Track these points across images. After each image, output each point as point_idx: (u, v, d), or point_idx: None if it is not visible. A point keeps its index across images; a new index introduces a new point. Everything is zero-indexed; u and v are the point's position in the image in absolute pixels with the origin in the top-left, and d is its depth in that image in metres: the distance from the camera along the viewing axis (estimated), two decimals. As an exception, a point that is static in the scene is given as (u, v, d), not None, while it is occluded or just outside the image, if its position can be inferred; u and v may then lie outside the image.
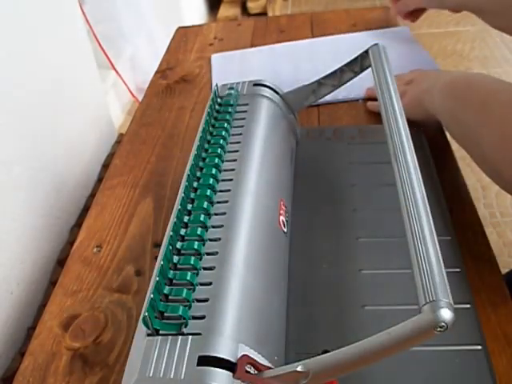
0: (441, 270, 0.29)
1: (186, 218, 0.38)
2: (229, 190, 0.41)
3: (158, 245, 0.53)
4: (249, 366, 0.30)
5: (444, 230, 0.48)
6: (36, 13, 0.63)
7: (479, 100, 0.48)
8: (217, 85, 0.53)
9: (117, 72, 1.40)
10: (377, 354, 0.28)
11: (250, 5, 2.55)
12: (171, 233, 0.36)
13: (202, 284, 0.34)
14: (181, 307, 0.31)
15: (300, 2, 2.88)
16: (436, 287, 0.28)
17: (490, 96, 0.47)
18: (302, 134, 0.59)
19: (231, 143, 0.46)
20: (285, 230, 0.44)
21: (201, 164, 0.44)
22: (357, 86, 0.69)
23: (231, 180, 0.42)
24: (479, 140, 0.46)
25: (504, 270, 0.51)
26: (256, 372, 0.30)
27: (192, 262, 0.34)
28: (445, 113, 0.53)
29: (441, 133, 0.64)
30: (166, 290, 0.33)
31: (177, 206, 0.39)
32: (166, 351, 0.30)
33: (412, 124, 0.44)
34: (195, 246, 0.36)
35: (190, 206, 0.40)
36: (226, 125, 0.48)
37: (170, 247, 0.35)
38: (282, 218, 0.44)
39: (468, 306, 0.42)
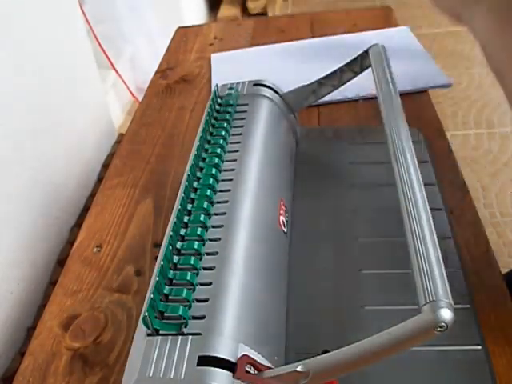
0: (441, 270, 0.29)
1: (186, 218, 0.38)
2: (229, 190, 0.41)
3: (157, 245, 0.53)
4: (249, 366, 0.30)
5: (444, 230, 0.48)
6: (36, 13, 0.63)
7: None
8: (217, 85, 0.53)
9: (117, 72, 1.40)
10: (377, 354, 0.28)
11: (249, 5, 2.55)
12: (171, 233, 0.36)
13: (201, 284, 0.34)
14: (181, 307, 0.31)
15: (300, 2, 2.88)
16: (436, 287, 0.28)
17: None
18: (301, 134, 0.59)
19: (231, 143, 0.46)
20: (285, 230, 0.44)
21: (201, 164, 0.44)
22: (357, 86, 0.69)
23: (231, 180, 0.42)
24: None
25: (504, 270, 0.51)
26: (256, 372, 0.30)
27: (192, 262, 0.34)
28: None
29: (441, 133, 0.64)
30: (166, 290, 0.33)
31: (177, 206, 0.39)
32: (166, 351, 0.30)
33: (412, 124, 0.44)
34: (195, 246, 0.36)
35: (189, 206, 0.40)
36: (225, 125, 0.48)
37: (170, 247, 0.35)
38: (282, 217, 0.44)
39: (468, 306, 0.42)
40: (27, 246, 0.57)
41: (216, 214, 0.39)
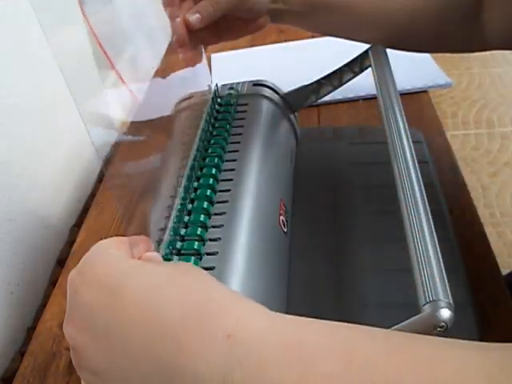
0: (441, 270, 0.29)
1: (186, 218, 0.38)
2: (229, 190, 0.41)
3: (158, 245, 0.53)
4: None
5: (444, 230, 0.48)
6: (36, 12, 0.63)
7: None
8: (217, 85, 0.53)
9: (117, 72, 1.40)
10: (377, 354, 0.28)
11: (249, 5, 2.54)
12: (171, 232, 0.36)
13: (201, 284, 0.34)
14: (181, 307, 0.31)
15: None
16: (436, 287, 0.28)
17: None
18: (301, 134, 0.59)
19: (231, 143, 0.46)
20: (285, 230, 0.44)
21: (201, 164, 0.44)
22: (357, 86, 0.69)
23: (231, 180, 0.42)
24: None
25: (504, 270, 0.51)
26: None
27: (192, 262, 0.34)
28: None
29: (441, 133, 0.64)
30: (166, 290, 0.33)
31: (177, 206, 0.39)
32: (166, 351, 0.30)
33: (412, 124, 0.44)
34: (195, 246, 0.36)
35: (190, 206, 0.40)
36: (226, 125, 0.48)
37: (170, 247, 0.35)
38: (282, 217, 0.44)
39: (468, 306, 0.42)
40: (27, 246, 0.57)
41: (216, 214, 0.39)
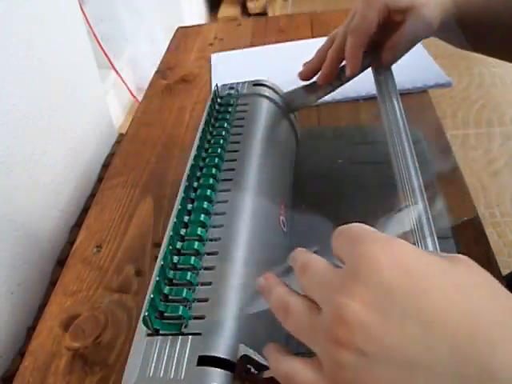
0: (441, 270, 0.29)
1: (186, 218, 0.38)
2: (229, 190, 0.41)
3: (158, 245, 0.53)
4: (249, 365, 0.30)
5: (444, 230, 0.48)
6: (36, 13, 0.63)
7: None
8: (217, 85, 0.53)
9: (117, 72, 1.40)
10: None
11: (249, 5, 2.55)
12: (171, 233, 0.36)
13: (202, 284, 0.34)
14: (181, 307, 0.31)
15: (300, 2, 2.88)
16: (436, 287, 0.28)
17: None
18: (301, 134, 0.59)
19: (231, 143, 0.46)
20: (285, 230, 0.44)
21: (201, 164, 0.44)
22: (357, 86, 0.69)
23: (231, 180, 0.42)
24: None
25: (504, 270, 0.51)
26: (256, 372, 0.30)
27: (192, 262, 0.34)
28: None
29: (441, 133, 0.64)
30: (166, 290, 0.33)
31: (177, 206, 0.39)
32: (166, 351, 0.30)
33: (412, 124, 0.44)
34: (195, 246, 0.36)
35: (189, 206, 0.40)
36: (225, 125, 0.48)
37: (170, 247, 0.35)
38: (281, 217, 0.44)
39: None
40: (27, 246, 0.57)
41: (216, 214, 0.39)
